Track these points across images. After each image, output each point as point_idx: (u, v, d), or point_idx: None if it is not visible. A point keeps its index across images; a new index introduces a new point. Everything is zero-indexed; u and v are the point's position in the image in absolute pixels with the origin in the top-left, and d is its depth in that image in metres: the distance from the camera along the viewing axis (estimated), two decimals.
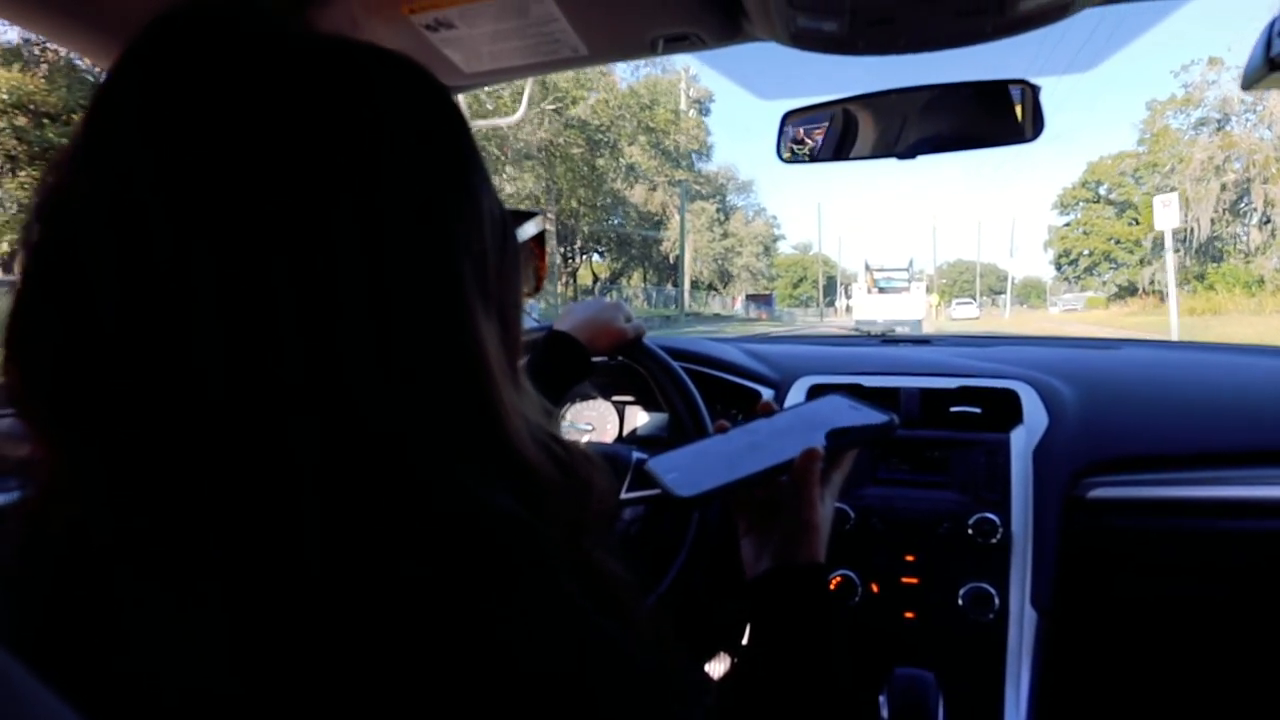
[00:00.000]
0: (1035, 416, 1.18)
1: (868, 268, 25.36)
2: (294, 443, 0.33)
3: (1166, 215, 12.22)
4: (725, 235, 41.96)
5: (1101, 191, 42.28)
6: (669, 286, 37.48)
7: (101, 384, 0.33)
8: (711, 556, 1.07)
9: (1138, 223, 39.19)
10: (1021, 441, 1.16)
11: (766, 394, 1.34)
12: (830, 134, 1.07)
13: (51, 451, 0.35)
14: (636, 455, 1.07)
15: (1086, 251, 44.00)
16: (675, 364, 1.12)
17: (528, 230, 0.59)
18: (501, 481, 0.39)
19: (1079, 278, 46.18)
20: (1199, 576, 1.13)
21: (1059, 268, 48.36)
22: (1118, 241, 41.40)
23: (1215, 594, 1.14)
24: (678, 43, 0.90)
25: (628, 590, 0.41)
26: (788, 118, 1.06)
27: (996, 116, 0.94)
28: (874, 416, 0.67)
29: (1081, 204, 43.85)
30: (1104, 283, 43.40)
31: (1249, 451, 1.12)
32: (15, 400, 0.35)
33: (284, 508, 0.32)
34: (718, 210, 41.27)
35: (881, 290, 23.71)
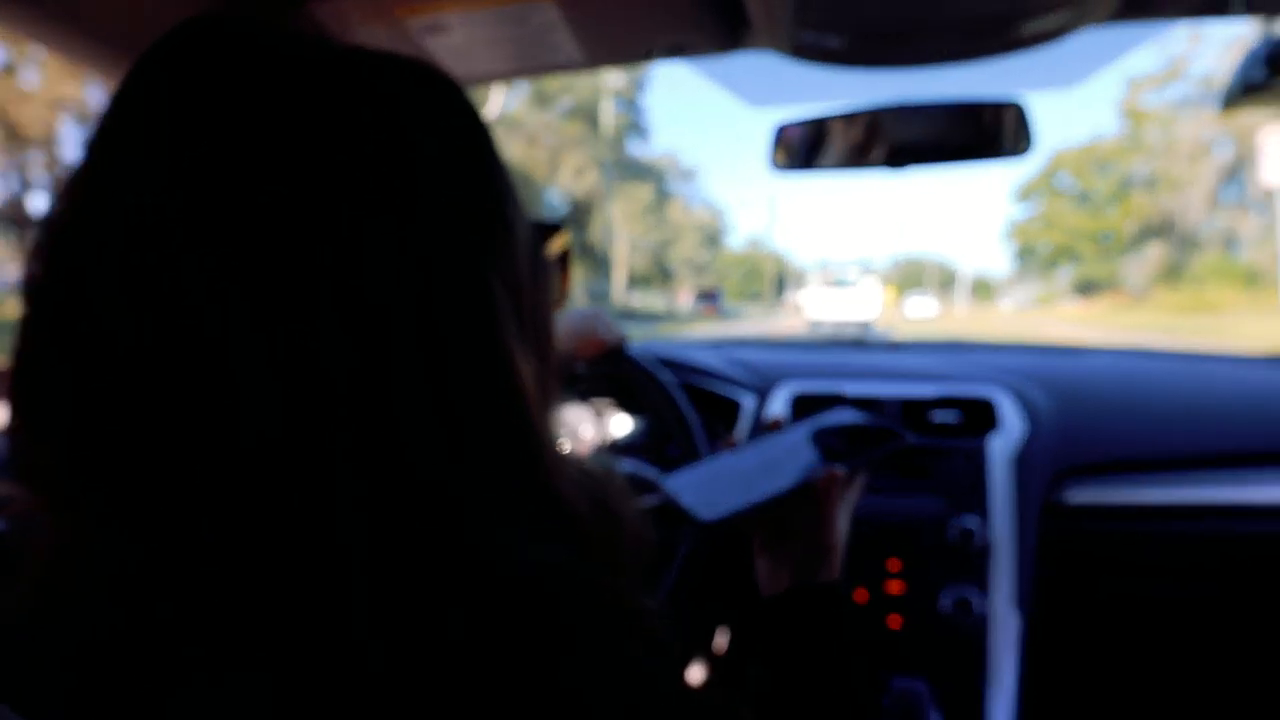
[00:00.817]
0: (1013, 423, 1.22)
1: (821, 267, 26.08)
2: (342, 495, 0.31)
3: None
4: (662, 224, 40.05)
5: (1063, 183, 41.48)
6: (606, 281, 36.41)
7: (127, 440, 0.30)
8: (705, 567, 1.08)
9: (1098, 215, 38.88)
10: (1001, 448, 1.19)
11: (747, 401, 1.36)
12: (822, 145, 1.08)
13: (65, 517, 0.33)
14: (625, 465, 1.08)
15: (1047, 244, 42.93)
16: (661, 374, 1.13)
17: (553, 247, 0.58)
18: (545, 526, 0.37)
19: (1039, 271, 45.27)
20: (1176, 578, 1.19)
21: (1019, 261, 47.46)
22: (1079, 234, 40.35)
23: (1193, 595, 1.20)
24: (676, 50, 0.90)
25: (666, 628, 0.40)
26: (781, 128, 1.07)
27: (986, 133, 0.97)
28: (887, 435, 0.68)
29: (1043, 195, 42.88)
30: (1064, 277, 42.52)
31: (1222, 455, 1.17)
32: (23, 465, 0.32)
33: (332, 566, 0.31)
34: (654, 196, 39.44)
35: (834, 289, 24.30)
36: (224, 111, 0.32)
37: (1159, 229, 31.58)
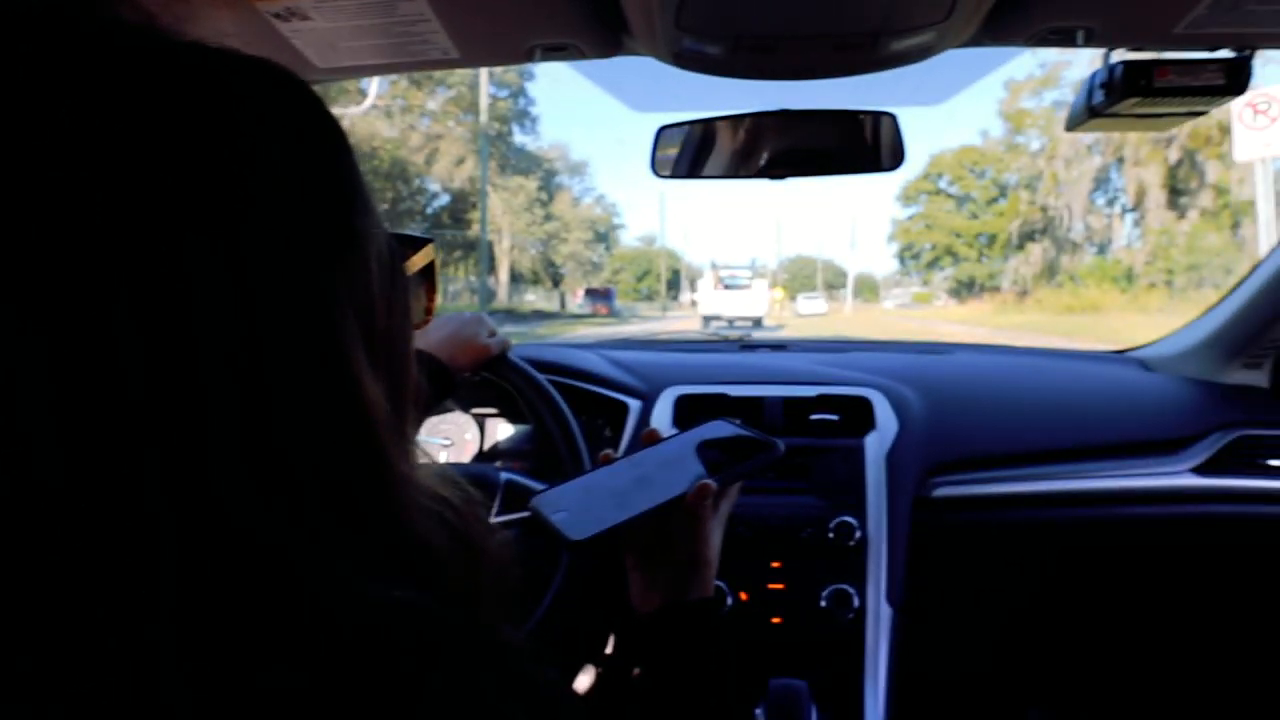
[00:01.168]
0: (887, 422, 1.28)
1: (714, 265, 26.72)
2: (144, 543, 0.27)
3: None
4: (549, 218, 37.75)
5: (942, 185, 41.55)
6: (494, 279, 34.84)
7: None
8: (580, 586, 1.07)
9: (977, 216, 38.62)
10: (875, 446, 1.25)
11: (633, 405, 1.36)
12: (702, 151, 1.09)
13: None
14: (505, 476, 1.05)
15: (929, 245, 42.19)
16: (543, 379, 1.11)
17: (417, 262, 0.55)
18: (394, 563, 0.35)
19: (921, 271, 44.97)
20: (1028, 561, 1.29)
21: (902, 261, 46.69)
22: (958, 235, 40.11)
23: (1044, 576, 1.30)
24: (556, 52, 0.88)
25: (534, 666, 0.38)
26: (662, 132, 1.07)
27: (861, 144, 1.01)
28: (761, 446, 0.68)
29: (924, 196, 42.39)
30: (945, 277, 42.21)
31: (1069, 448, 1.28)
32: None
33: (133, 622, 0.27)
34: (540, 188, 37.37)
35: (726, 287, 25.00)
36: (11, 101, 0.28)
37: (1039, 230, 32.89)
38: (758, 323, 22.62)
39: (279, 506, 0.30)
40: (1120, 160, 28.00)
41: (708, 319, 22.24)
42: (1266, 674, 1.42)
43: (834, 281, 65.47)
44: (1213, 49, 0.82)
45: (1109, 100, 0.87)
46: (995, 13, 0.74)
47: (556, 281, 42.03)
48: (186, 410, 0.28)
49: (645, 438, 0.70)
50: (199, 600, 0.28)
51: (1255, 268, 1.33)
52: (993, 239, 38.08)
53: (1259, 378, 1.38)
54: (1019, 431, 1.32)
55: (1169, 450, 1.29)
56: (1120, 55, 0.85)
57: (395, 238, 0.42)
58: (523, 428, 1.45)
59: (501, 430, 1.47)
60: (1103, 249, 30.60)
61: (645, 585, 0.63)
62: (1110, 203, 30.45)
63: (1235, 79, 0.80)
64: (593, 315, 32.72)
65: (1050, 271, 31.83)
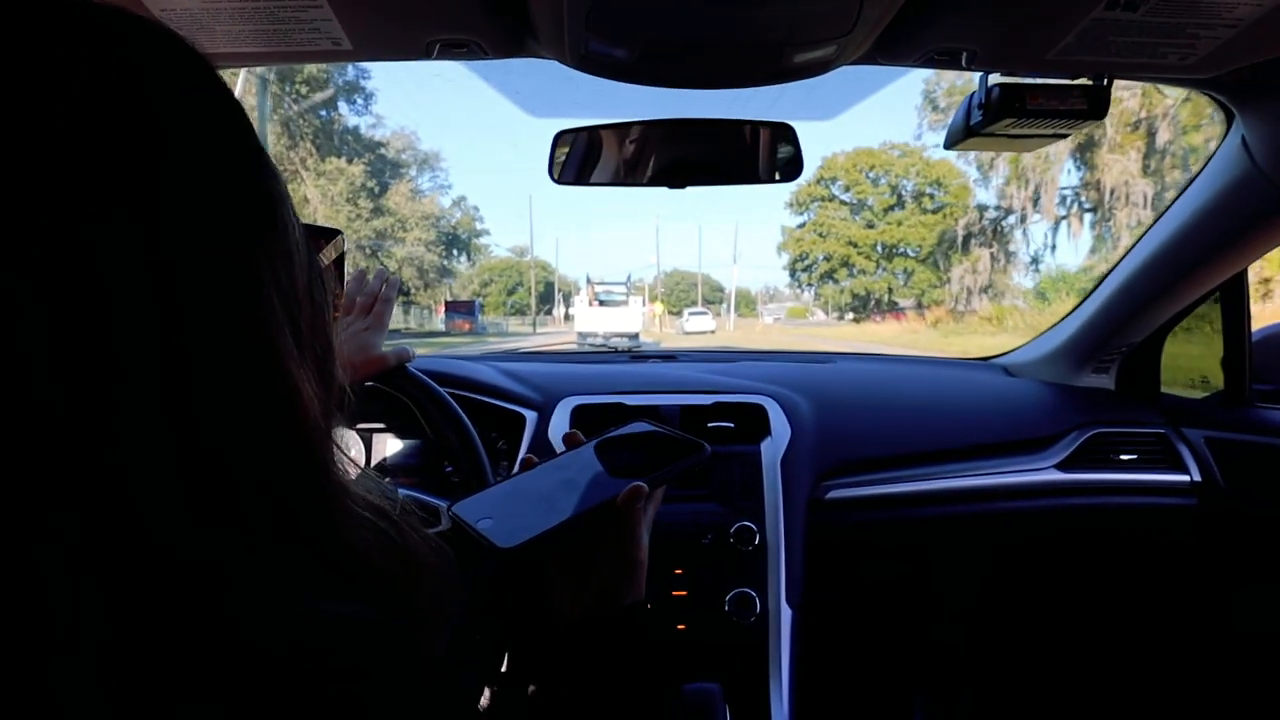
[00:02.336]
0: (780, 429, 1.33)
1: (589, 281, 26.69)
2: (51, 563, 0.25)
3: None
4: (378, 212, 31.08)
5: (835, 190, 37.15)
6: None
7: None
8: (496, 595, 1.04)
9: (873, 226, 35.39)
10: (770, 452, 1.29)
11: (530, 416, 1.34)
12: (601, 157, 1.10)
13: None
14: (401, 492, 1.01)
15: (823, 256, 37.64)
16: (442, 390, 1.08)
17: (328, 254, 0.52)
18: (331, 576, 0.33)
19: (814, 284, 40.54)
20: (913, 556, 1.38)
21: (793, 274, 41.47)
22: (855, 245, 36.25)
23: (927, 570, 1.39)
24: (456, 49, 0.86)
25: (466, 680, 0.38)
26: (559, 138, 1.07)
27: (760, 155, 1.04)
28: (688, 447, 0.68)
29: (817, 203, 37.66)
30: (841, 290, 37.89)
31: (947, 449, 1.38)
32: None
33: (47, 650, 0.25)
34: (369, 175, 30.38)
35: (602, 303, 25.02)
36: None
37: (978, 234, 29.43)
38: (634, 339, 22.94)
39: (206, 517, 0.28)
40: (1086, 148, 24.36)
41: (584, 335, 22.37)
42: (1127, 648, 1.58)
43: (711, 297, 64.71)
44: (1076, 76, 0.91)
45: (985, 120, 0.94)
46: (889, 31, 0.79)
47: (405, 292, 36.63)
48: (100, 410, 0.26)
49: (567, 439, 0.69)
50: (117, 625, 0.26)
51: (1102, 280, 1.49)
52: (891, 250, 35.63)
53: (1107, 380, 1.55)
54: (902, 435, 1.40)
55: (1035, 449, 1.42)
56: (995, 80, 0.93)
57: (306, 228, 0.41)
58: (411, 442, 1.39)
59: (389, 446, 1.41)
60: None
61: (575, 591, 0.61)
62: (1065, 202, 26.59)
63: (1096, 104, 0.90)
64: (447, 334, 28.88)
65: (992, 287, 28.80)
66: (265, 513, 0.31)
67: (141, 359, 0.27)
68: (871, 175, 36.48)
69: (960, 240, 30.22)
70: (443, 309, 34.92)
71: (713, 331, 34.13)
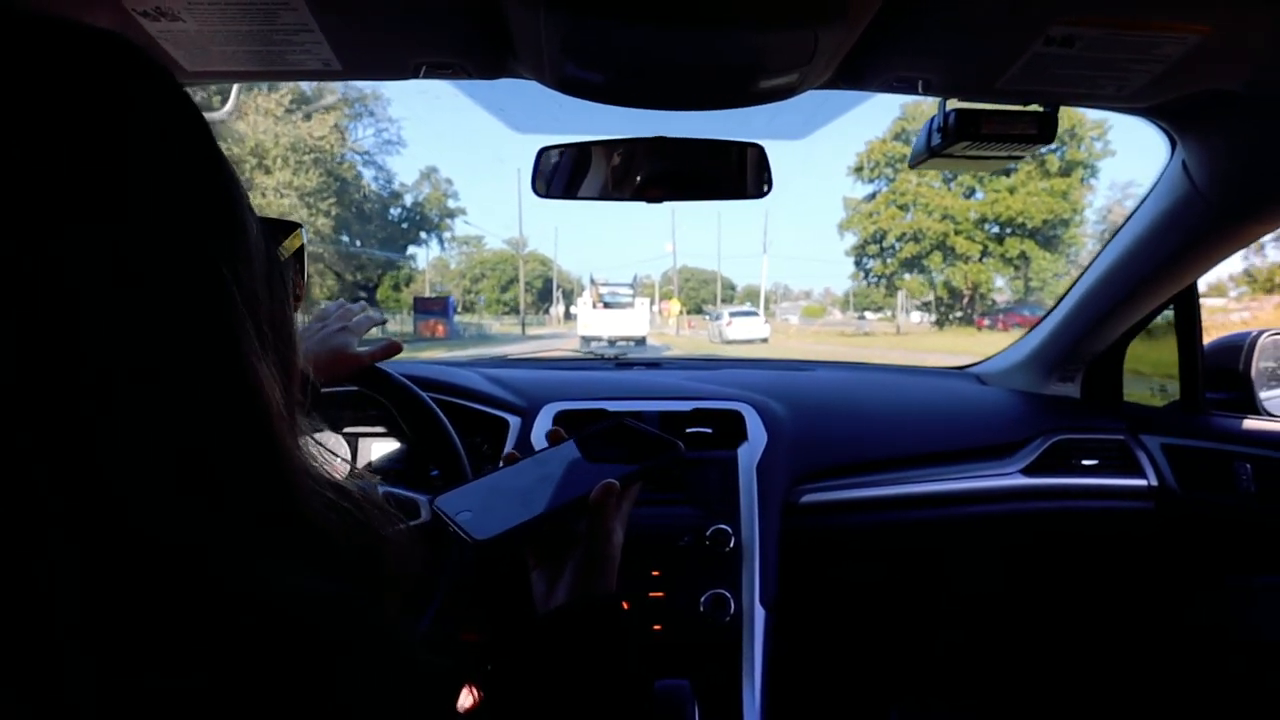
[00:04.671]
0: (757, 434, 1.38)
1: (593, 281, 25.13)
2: (35, 545, 0.27)
3: None
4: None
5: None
6: None
7: None
8: (475, 586, 1.08)
9: (975, 195, 26.14)
10: (747, 457, 1.33)
11: (513, 421, 1.38)
12: (581, 173, 1.14)
13: None
14: (384, 489, 1.04)
15: (910, 236, 27.60)
16: (422, 393, 1.11)
17: (288, 246, 0.55)
18: (297, 554, 0.35)
19: (890, 274, 29.50)
20: (885, 559, 1.43)
21: (859, 261, 30.63)
22: (953, 220, 26.37)
23: (898, 572, 1.44)
24: (441, 70, 0.91)
25: (433, 653, 0.39)
26: (543, 152, 1.12)
27: (732, 172, 1.10)
28: (663, 445, 0.71)
29: (891, 166, 28.07)
30: (928, 281, 28.72)
31: (918, 455, 1.43)
32: None
33: (31, 627, 0.27)
34: (293, 102, 23.48)
35: (606, 305, 23.77)
36: None
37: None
38: (640, 344, 21.33)
39: (177, 499, 0.31)
40: None
41: (587, 339, 21.37)
42: (1093, 646, 1.64)
43: (723, 296, 58.81)
44: (1026, 104, 0.97)
45: (944, 143, 1.00)
46: (850, 60, 0.85)
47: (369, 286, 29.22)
48: (72, 403, 0.28)
49: (550, 436, 0.71)
50: (101, 603, 0.28)
51: (1066, 291, 1.55)
52: (1008, 226, 25.59)
53: (1073, 389, 1.61)
54: (875, 441, 1.46)
55: (1002, 454, 1.47)
56: (953, 105, 0.99)
57: (264, 222, 0.43)
58: (398, 446, 1.43)
59: (375, 449, 1.44)
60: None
61: (550, 583, 0.63)
62: None
63: (1045, 130, 0.96)
64: (415, 339, 23.68)
65: None
66: (231, 494, 0.33)
67: (109, 354, 0.29)
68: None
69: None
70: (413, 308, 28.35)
71: (765, 340, 25.40)
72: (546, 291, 51.64)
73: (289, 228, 0.60)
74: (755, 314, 29.11)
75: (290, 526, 0.36)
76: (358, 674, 0.32)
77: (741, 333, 25.28)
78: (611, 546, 0.64)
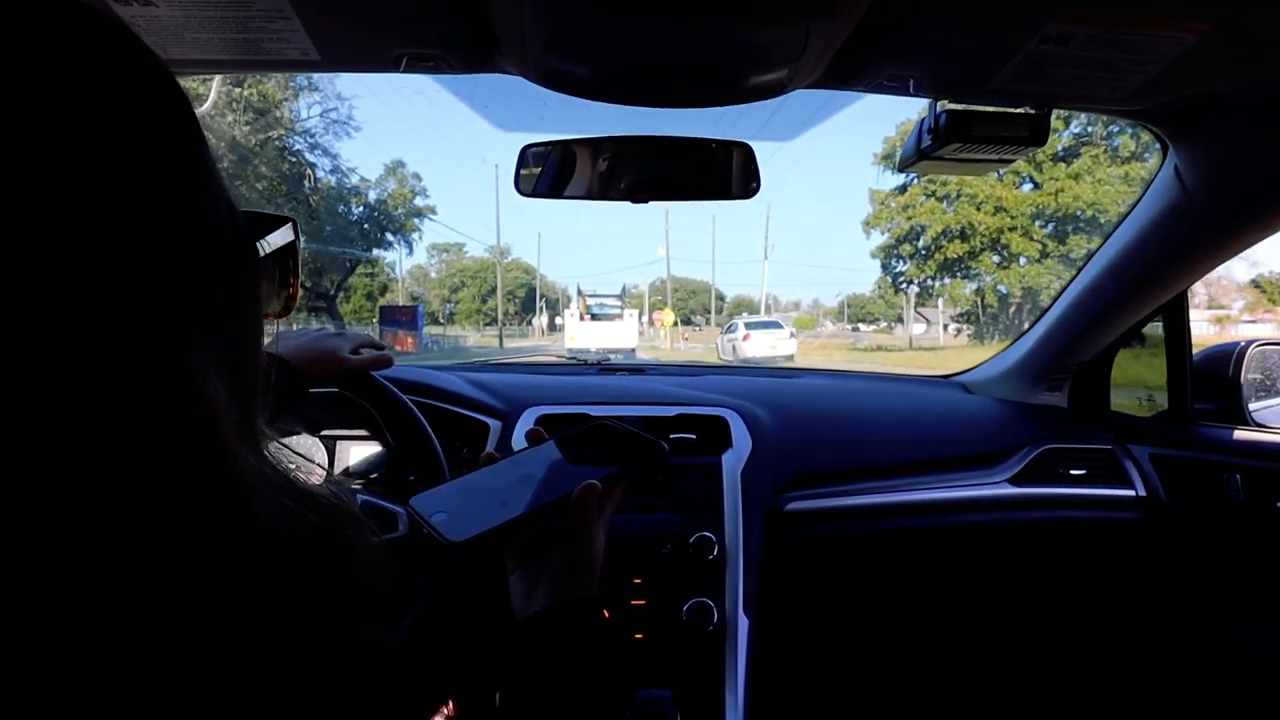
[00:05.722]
0: (741, 441, 1.36)
1: (580, 293, 24.34)
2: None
3: None
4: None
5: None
6: None
7: None
8: (454, 589, 1.06)
9: (1034, 185, 21.48)
10: (731, 464, 1.32)
11: (494, 425, 1.36)
12: (566, 172, 1.13)
13: None
14: (361, 498, 1.02)
15: (956, 231, 22.49)
16: (404, 397, 1.10)
17: (273, 240, 0.53)
18: (245, 557, 0.33)
19: (933, 279, 24.38)
20: (869, 567, 1.42)
21: (887, 265, 25.65)
22: (1008, 213, 21.61)
23: (883, 581, 1.43)
24: (422, 63, 0.89)
25: (407, 659, 0.38)
26: (526, 150, 1.10)
27: (718, 172, 1.09)
28: (646, 447, 0.69)
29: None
30: (975, 291, 23.86)
31: (904, 463, 1.42)
32: None
33: None
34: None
35: (594, 317, 23.06)
36: None
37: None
38: (629, 356, 21.32)
39: (112, 504, 0.29)
40: None
41: (575, 354, 21.02)
42: (1079, 654, 1.64)
43: (709, 306, 58.62)
44: (1018, 105, 0.97)
45: (935, 145, 1.00)
46: (840, 58, 0.84)
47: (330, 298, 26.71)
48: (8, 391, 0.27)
49: (530, 436, 0.70)
50: (43, 607, 0.27)
51: (1054, 301, 1.55)
52: (1070, 221, 21.14)
53: (1060, 398, 1.61)
54: (861, 449, 1.45)
55: (989, 463, 1.47)
56: (944, 106, 0.98)
57: (248, 215, 0.41)
58: (375, 450, 1.41)
59: (354, 453, 1.42)
60: None
61: (528, 587, 0.62)
62: None
63: (1037, 132, 0.96)
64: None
65: None
66: (169, 499, 0.31)
67: (38, 350, 0.28)
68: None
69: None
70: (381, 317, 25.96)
71: (791, 357, 20.33)
72: (530, 301, 50.56)
73: (276, 222, 0.58)
74: (779, 326, 23.07)
75: (240, 533, 0.34)
76: (332, 679, 0.31)
77: (762, 349, 20.38)
78: (594, 549, 0.63)
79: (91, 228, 0.30)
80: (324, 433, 1.40)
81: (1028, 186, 21.90)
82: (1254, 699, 1.36)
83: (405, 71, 0.91)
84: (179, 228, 0.34)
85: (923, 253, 23.99)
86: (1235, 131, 1.01)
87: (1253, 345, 1.41)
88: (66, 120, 0.30)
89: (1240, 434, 1.35)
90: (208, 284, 0.35)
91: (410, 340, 23.33)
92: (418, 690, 0.38)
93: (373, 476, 1.39)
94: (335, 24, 0.81)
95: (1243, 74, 0.87)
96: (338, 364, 1.00)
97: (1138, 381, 1.52)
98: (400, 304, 30.84)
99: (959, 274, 23.46)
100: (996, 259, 22.36)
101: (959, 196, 22.01)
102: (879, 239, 25.39)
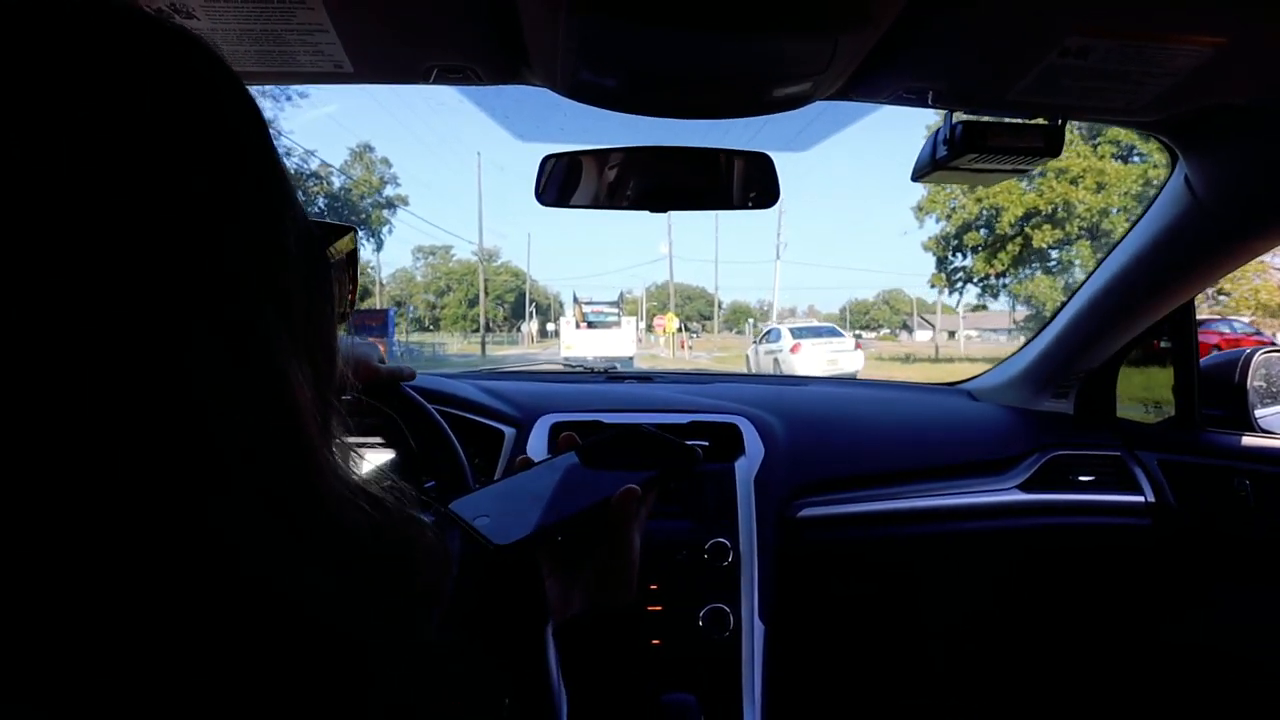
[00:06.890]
0: (754, 448, 1.39)
1: (576, 300, 24.15)
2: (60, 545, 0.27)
3: None
4: None
5: None
6: None
7: None
8: (493, 593, 1.08)
9: (1127, 160, 18.12)
10: (744, 471, 1.34)
11: (508, 433, 1.38)
12: (584, 181, 1.16)
13: None
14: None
15: (1043, 215, 18.78)
16: (430, 406, 1.12)
17: (339, 248, 0.55)
18: (325, 558, 0.35)
19: (999, 279, 20.89)
20: (882, 574, 1.45)
21: (943, 260, 21.91)
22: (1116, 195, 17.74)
23: (896, 587, 1.45)
24: (452, 75, 0.92)
25: (460, 659, 0.40)
26: (547, 160, 1.13)
27: (736, 182, 1.12)
28: (681, 452, 0.72)
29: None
30: (1027, 297, 20.60)
31: (914, 470, 1.45)
32: None
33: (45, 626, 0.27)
34: None
35: (591, 325, 23.03)
36: None
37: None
38: (628, 363, 20.84)
39: (202, 498, 0.30)
40: None
41: (570, 362, 20.78)
42: (1090, 661, 1.66)
43: (705, 312, 58.79)
44: (1034, 116, 1.00)
45: (950, 155, 1.03)
46: (861, 70, 0.87)
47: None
48: (91, 395, 0.28)
49: (563, 441, 0.72)
50: (124, 599, 0.28)
51: (1059, 309, 1.59)
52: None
53: (1066, 405, 1.64)
54: (871, 455, 1.48)
55: (998, 470, 1.50)
56: (960, 117, 1.02)
57: (317, 225, 0.43)
58: (388, 459, 1.43)
59: (366, 465, 1.43)
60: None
61: (565, 591, 0.64)
62: None
63: (1052, 143, 0.99)
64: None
65: None
66: (260, 497, 0.32)
67: (137, 349, 0.29)
68: None
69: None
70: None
71: (855, 375, 14.22)
72: (520, 307, 49.12)
73: (341, 231, 0.60)
74: (837, 334, 18.64)
75: (320, 530, 0.35)
76: (392, 680, 0.32)
77: (817, 364, 15.62)
78: (632, 553, 0.64)
79: (195, 237, 0.32)
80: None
81: (1140, 159, 17.77)
82: (1265, 705, 1.39)
83: (434, 83, 0.94)
84: (270, 237, 0.36)
85: (996, 244, 19.74)
86: (1246, 142, 1.05)
87: (1259, 353, 1.45)
88: (171, 134, 0.32)
89: (1248, 440, 1.38)
90: (292, 291, 0.37)
91: (381, 347, 21.24)
92: (470, 692, 0.39)
93: (385, 484, 1.41)
94: (371, 37, 0.84)
95: (1256, 86, 0.90)
96: (368, 372, 1.02)
97: (1142, 395, 1.55)
98: (372, 309, 29.58)
99: (1040, 268, 19.01)
100: (1091, 249, 17.83)
101: (1042, 173, 18.03)
102: (933, 228, 20.86)
